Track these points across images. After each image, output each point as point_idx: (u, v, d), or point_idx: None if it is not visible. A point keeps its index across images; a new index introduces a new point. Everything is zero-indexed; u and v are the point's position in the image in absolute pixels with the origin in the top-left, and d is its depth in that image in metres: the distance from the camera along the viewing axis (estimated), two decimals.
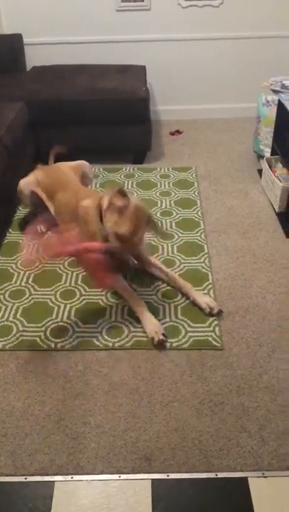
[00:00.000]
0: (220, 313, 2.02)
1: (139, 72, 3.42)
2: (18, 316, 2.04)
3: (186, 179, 3.06)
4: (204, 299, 2.04)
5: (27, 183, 2.50)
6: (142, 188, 2.98)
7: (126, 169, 3.20)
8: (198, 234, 2.54)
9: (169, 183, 3.03)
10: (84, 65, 3.54)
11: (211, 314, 2.01)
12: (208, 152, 3.42)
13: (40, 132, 3.15)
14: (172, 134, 3.70)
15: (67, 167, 2.55)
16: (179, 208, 2.76)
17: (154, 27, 3.61)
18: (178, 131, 3.72)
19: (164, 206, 2.79)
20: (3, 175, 2.51)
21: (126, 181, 3.06)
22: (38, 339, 1.93)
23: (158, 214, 2.71)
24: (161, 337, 1.89)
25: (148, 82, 3.52)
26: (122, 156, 3.30)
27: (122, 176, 3.12)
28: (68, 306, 2.09)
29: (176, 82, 3.83)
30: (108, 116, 3.07)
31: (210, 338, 1.92)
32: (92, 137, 3.17)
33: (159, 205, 2.80)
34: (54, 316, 2.04)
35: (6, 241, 2.52)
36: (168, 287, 2.18)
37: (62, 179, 2.42)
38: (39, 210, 2.52)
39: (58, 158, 2.78)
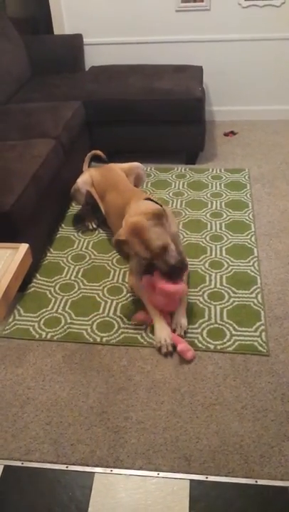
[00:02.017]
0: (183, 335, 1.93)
1: (196, 72, 3.41)
2: (66, 308, 2.10)
3: (238, 181, 3.02)
4: (179, 320, 1.96)
5: (84, 182, 2.56)
6: (192, 188, 2.97)
7: (178, 169, 3.20)
8: (248, 237, 2.50)
9: (220, 184, 3.00)
10: (141, 65, 3.57)
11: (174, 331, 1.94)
12: (262, 154, 3.35)
13: (96, 131, 3.22)
14: (226, 134, 3.66)
15: (119, 168, 2.59)
16: (230, 210, 2.73)
17: (213, 27, 3.58)
18: (232, 132, 3.68)
19: (214, 208, 2.77)
20: (59, 172, 2.59)
21: (177, 181, 3.06)
22: (84, 332, 1.98)
23: (208, 215, 2.70)
24: (170, 348, 1.86)
25: (204, 83, 3.50)
26: (175, 156, 3.31)
27: (174, 176, 3.12)
28: (115, 302, 2.12)
29: (233, 82, 3.78)
30: (163, 116, 3.09)
31: (256, 343, 1.88)
32: (146, 136, 3.19)
33: (209, 206, 2.78)
34: (101, 310, 2.08)
35: (58, 235, 2.60)
36: (215, 289, 2.16)
37: (113, 179, 2.46)
38: (88, 208, 2.57)
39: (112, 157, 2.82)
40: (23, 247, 1.18)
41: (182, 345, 1.84)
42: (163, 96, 3.06)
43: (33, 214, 2.22)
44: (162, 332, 1.90)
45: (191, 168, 3.20)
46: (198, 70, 3.46)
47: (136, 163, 2.66)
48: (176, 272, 1.88)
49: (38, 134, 2.65)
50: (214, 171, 3.15)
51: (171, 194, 2.93)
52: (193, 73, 3.38)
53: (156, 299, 1.94)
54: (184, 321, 1.95)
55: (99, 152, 2.88)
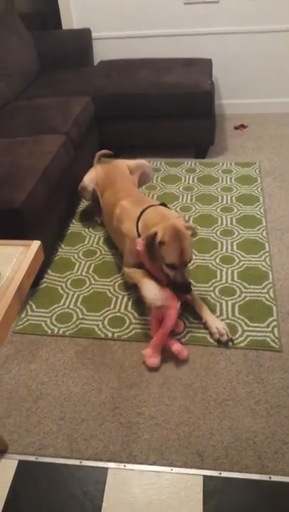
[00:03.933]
0: (229, 341, 1.87)
1: (205, 65, 3.38)
2: (78, 304, 2.11)
3: (249, 175, 2.99)
4: (216, 324, 1.90)
5: (90, 179, 2.55)
6: (203, 183, 2.95)
7: (188, 163, 3.19)
8: (260, 231, 2.48)
9: (231, 178, 2.98)
10: (150, 59, 3.55)
11: (218, 341, 1.88)
12: (274, 147, 3.32)
13: (105, 126, 3.21)
14: (236, 128, 3.63)
15: (125, 165, 2.57)
16: (241, 204, 2.71)
17: (222, 19, 3.54)
18: (242, 126, 3.64)
19: (224, 202, 2.75)
20: (69, 167, 2.59)
21: (187, 176, 3.04)
22: (96, 328, 1.98)
23: (218, 210, 2.68)
24: (159, 303, 1.84)
25: (214, 76, 3.47)
26: (185, 150, 3.29)
27: (184, 171, 3.11)
28: (126, 298, 2.12)
29: (243, 75, 3.74)
30: (172, 109, 3.07)
31: (268, 339, 1.87)
32: (155, 131, 3.18)
33: (219, 200, 2.76)
34: (112, 306, 2.09)
35: (69, 231, 2.60)
36: (226, 284, 2.15)
37: (113, 177, 2.44)
38: (96, 204, 2.57)
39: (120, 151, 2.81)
40: (35, 244, 1.18)
41: (176, 346, 1.83)
42: (172, 90, 3.04)
43: (44, 210, 2.23)
44: (150, 294, 1.86)
45: (201, 163, 3.18)
46: (208, 63, 3.43)
47: (142, 161, 2.64)
48: (186, 289, 1.89)
49: (48, 129, 2.65)
50: (224, 165, 3.12)
51: (181, 189, 2.91)
52: (203, 66, 3.35)
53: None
54: (220, 325, 1.90)
55: (106, 151, 2.87)
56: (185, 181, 2.98)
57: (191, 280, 2.02)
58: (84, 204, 2.81)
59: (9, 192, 2.05)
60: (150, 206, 2.06)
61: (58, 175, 2.39)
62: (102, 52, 3.75)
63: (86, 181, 2.55)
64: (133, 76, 3.25)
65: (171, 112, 3.08)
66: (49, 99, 3.04)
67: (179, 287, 1.88)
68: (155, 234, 1.86)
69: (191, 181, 2.98)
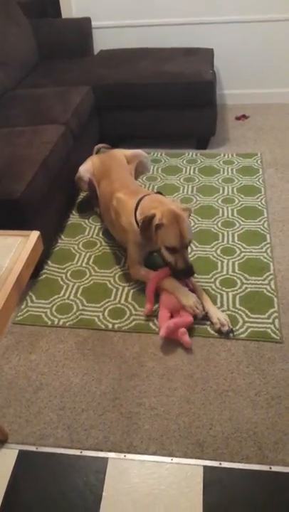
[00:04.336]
0: (230, 332, 1.86)
1: (207, 55, 3.35)
2: (78, 295, 2.10)
3: (250, 166, 2.97)
4: (217, 314, 1.89)
5: (85, 170, 2.55)
6: (204, 174, 2.93)
7: (188, 154, 3.16)
8: (261, 223, 2.46)
9: (232, 169, 2.95)
10: (151, 49, 3.51)
11: (220, 331, 1.86)
12: (276, 138, 3.29)
13: (105, 116, 3.18)
14: (238, 118, 3.60)
15: (122, 154, 2.56)
16: (242, 196, 2.69)
17: (223, 9, 3.50)
18: (244, 116, 3.61)
19: (226, 193, 2.73)
20: (69, 158, 2.57)
21: (188, 167, 3.02)
22: (96, 319, 1.97)
23: (219, 201, 2.66)
24: (203, 312, 1.89)
25: (215, 66, 3.43)
26: (185, 141, 3.26)
27: (185, 162, 3.09)
28: (126, 289, 2.11)
29: (245, 65, 3.70)
30: (173, 100, 3.04)
31: (269, 330, 1.87)
32: (156, 121, 3.15)
33: (221, 191, 2.75)
34: (112, 297, 2.08)
35: (69, 222, 2.59)
36: (227, 275, 2.14)
37: (109, 167, 2.43)
38: (94, 195, 2.55)
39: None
40: (34, 234, 1.17)
41: (182, 331, 1.83)
42: (173, 79, 3.01)
43: (43, 201, 2.21)
44: (189, 300, 1.89)
45: (203, 153, 3.16)
46: (209, 53, 3.39)
47: (139, 151, 2.63)
48: (189, 272, 1.91)
49: (47, 119, 2.62)
50: (226, 156, 3.10)
51: (182, 180, 2.89)
52: (204, 56, 3.31)
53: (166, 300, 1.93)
54: (221, 315, 1.90)
55: (105, 145, 2.86)
56: (186, 172, 2.96)
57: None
58: (84, 195, 2.79)
59: (8, 183, 2.03)
60: (146, 195, 2.05)
61: (57, 165, 2.37)
62: (102, 41, 3.71)
63: (81, 171, 2.54)
64: (133, 66, 3.21)
65: (172, 102, 3.05)
66: (48, 88, 3.01)
67: (182, 271, 1.88)
68: (153, 216, 1.86)
69: (192, 172, 2.96)
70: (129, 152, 2.60)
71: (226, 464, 1.46)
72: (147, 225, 1.89)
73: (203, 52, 3.38)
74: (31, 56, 3.43)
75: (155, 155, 3.17)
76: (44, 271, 2.25)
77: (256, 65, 3.69)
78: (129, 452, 1.51)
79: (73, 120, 2.69)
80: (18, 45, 3.26)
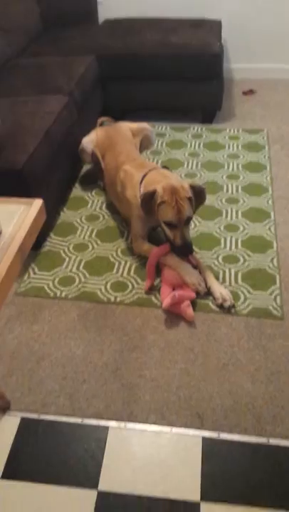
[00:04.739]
0: (231, 307, 1.87)
1: (214, 27, 3.26)
2: (80, 268, 2.10)
3: (256, 142, 2.93)
4: (220, 290, 1.89)
5: (89, 141, 2.51)
6: (209, 149, 2.89)
7: (194, 129, 3.11)
8: (265, 200, 2.45)
9: (237, 145, 2.92)
10: (157, 19, 3.41)
11: (221, 306, 1.87)
12: (282, 114, 3.24)
13: (109, 87, 3.12)
14: (245, 93, 3.53)
15: (127, 127, 2.53)
16: (247, 172, 2.67)
17: None
18: (251, 91, 3.54)
19: (230, 169, 2.70)
20: (72, 129, 2.53)
21: (193, 141, 2.98)
22: (98, 292, 1.98)
23: (224, 177, 2.64)
24: (206, 289, 1.90)
25: (223, 38, 3.35)
26: (191, 115, 3.21)
27: (189, 136, 3.04)
28: (129, 263, 2.11)
29: (253, 38, 3.61)
30: (179, 72, 2.97)
31: (270, 307, 1.87)
32: (161, 94, 3.09)
33: (225, 167, 2.72)
34: (115, 270, 2.08)
35: (72, 195, 2.57)
36: (230, 252, 2.14)
37: (114, 139, 2.40)
38: (98, 167, 2.52)
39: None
40: (37, 202, 1.16)
41: (186, 304, 1.84)
42: (179, 51, 2.94)
43: (46, 172, 2.18)
44: (192, 277, 1.89)
45: (208, 128, 3.11)
46: (217, 25, 3.30)
47: (144, 124, 2.59)
48: (186, 249, 1.90)
49: (51, 89, 2.57)
50: (231, 131, 3.06)
51: (186, 154, 2.86)
52: (212, 28, 3.23)
53: (169, 274, 1.93)
54: (223, 291, 1.90)
55: (108, 118, 2.82)
56: (191, 147, 2.92)
57: (195, 248, 2.02)
58: (87, 167, 2.75)
59: (11, 153, 2.01)
60: (152, 169, 2.03)
61: (60, 137, 2.34)
62: (107, 10, 3.61)
63: (84, 143, 2.51)
64: (139, 36, 3.13)
65: (178, 74, 2.99)
66: (52, 57, 2.94)
67: (180, 248, 1.87)
68: (154, 191, 1.85)
69: (197, 147, 2.92)
70: (135, 125, 2.56)
71: (224, 436, 1.49)
72: (148, 200, 1.89)
73: (211, 24, 3.29)
74: (35, 24, 3.34)
75: (160, 129, 3.12)
76: (46, 243, 2.24)
77: (265, 38, 3.60)
78: (129, 421, 1.53)
79: (77, 90, 2.64)
80: (21, 13, 3.17)
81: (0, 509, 1.35)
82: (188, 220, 1.90)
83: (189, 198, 1.88)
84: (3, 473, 1.43)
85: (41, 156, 2.11)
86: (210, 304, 1.90)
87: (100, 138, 2.49)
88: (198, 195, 1.91)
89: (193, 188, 1.91)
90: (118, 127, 2.53)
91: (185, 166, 2.75)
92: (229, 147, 2.90)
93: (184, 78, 3.01)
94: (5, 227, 1.07)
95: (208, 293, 1.92)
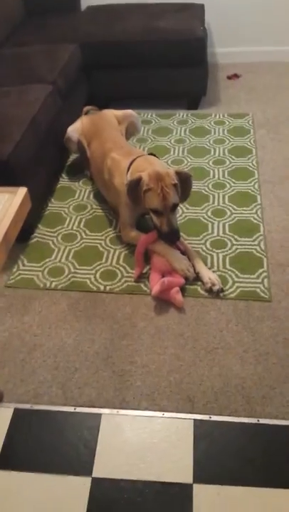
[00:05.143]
0: (220, 291, 1.88)
1: (198, 11, 3.22)
2: (70, 258, 2.10)
3: (241, 126, 2.93)
4: (209, 274, 1.91)
5: (74, 130, 2.50)
6: (194, 135, 2.89)
7: (179, 115, 3.10)
8: (252, 184, 2.45)
9: (223, 130, 2.91)
10: (140, 4, 3.37)
11: (210, 290, 1.88)
12: (267, 98, 3.23)
13: (94, 75, 3.09)
14: (229, 77, 3.52)
15: (112, 114, 2.52)
16: (233, 157, 2.67)
17: None
18: (236, 75, 3.53)
19: (217, 154, 2.70)
20: (57, 119, 2.51)
21: (179, 128, 2.97)
22: (88, 281, 1.99)
23: (210, 163, 2.64)
24: (194, 275, 1.91)
25: (206, 22, 3.31)
26: (176, 101, 3.19)
27: (175, 123, 3.03)
28: (118, 252, 2.12)
29: (237, 22, 3.58)
30: (163, 58, 2.95)
31: (258, 290, 1.90)
32: (146, 81, 3.07)
33: (212, 153, 2.71)
34: (104, 260, 2.08)
35: (59, 185, 2.56)
36: (218, 237, 2.15)
37: (100, 127, 2.39)
38: (84, 157, 2.51)
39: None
40: (22, 190, 1.16)
41: (175, 290, 1.85)
42: (163, 37, 2.91)
43: (32, 163, 2.17)
44: (180, 264, 1.91)
45: (193, 114, 3.10)
46: (200, 9, 3.26)
47: (129, 111, 2.58)
48: (173, 236, 1.91)
49: (34, 79, 2.54)
50: (217, 116, 3.05)
51: (172, 141, 2.85)
52: (195, 12, 3.19)
53: (158, 262, 1.94)
54: (212, 275, 1.91)
55: (92, 107, 2.80)
56: (177, 133, 2.92)
57: (183, 234, 2.03)
58: (73, 157, 2.74)
59: None
60: (139, 156, 2.03)
61: (45, 126, 2.32)
62: None
63: (69, 131, 2.50)
64: (122, 22, 3.09)
65: (162, 60, 2.96)
66: (34, 46, 2.90)
67: (167, 235, 1.88)
68: (139, 179, 1.85)
69: (182, 133, 2.91)
70: (120, 112, 2.55)
71: (215, 418, 1.51)
72: (133, 187, 1.89)
73: (195, 8, 3.25)
74: (16, 12, 3.28)
75: (145, 116, 3.10)
76: (35, 234, 2.24)
77: (248, 21, 3.57)
78: (121, 408, 1.55)
79: (61, 79, 2.61)
80: (4, 1, 3.11)
81: None
82: (175, 206, 1.91)
83: (175, 185, 1.88)
84: None
85: (27, 146, 2.09)
86: (199, 289, 1.92)
87: (85, 126, 2.47)
88: (184, 181, 1.92)
89: (179, 174, 1.91)
90: (103, 115, 2.52)
91: (171, 152, 2.75)
92: (215, 132, 2.90)
93: (168, 64, 2.98)
94: None
95: (197, 278, 1.94)
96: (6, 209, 1.09)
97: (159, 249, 1.95)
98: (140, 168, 1.95)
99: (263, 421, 1.50)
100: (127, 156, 2.09)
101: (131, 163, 2.02)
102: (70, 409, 1.57)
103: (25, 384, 1.63)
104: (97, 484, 1.38)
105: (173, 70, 3.00)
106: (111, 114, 2.52)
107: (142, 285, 1.96)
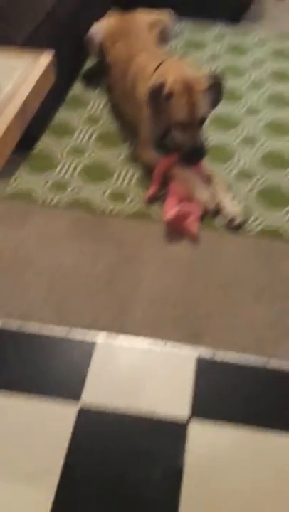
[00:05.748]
0: (242, 225, 1.67)
1: None
2: (76, 173, 1.89)
3: (285, 49, 2.58)
4: (231, 206, 1.69)
5: (98, 29, 2.20)
6: (231, 53, 2.56)
7: (217, 29, 2.74)
8: None
9: (264, 51, 2.57)
10: None
11: (230, 224, 1.67)
12: None
13: None
14: None
15: (144, 17, 2.21)
16: (273, 81, 2.36)
17: None
18: None
19: (253, 77, 2.39)
20: (76, 17, 2.19)
21: (214, 43, 2.63)
22: (94, 201, 1.79)
23: (246, 86, 2.34)
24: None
25: None
26: (215, 10, 2.78)
27: (211, 36, 2.68)
28: (130, 172, 1.90)
29: None
30: None
31: (280, 230, 1.69)
32: None
33: (248, 75, 2.40)
34: (114, 180, 1.87)
35: (71, 93, 2.29)
36: (245, 167, 1.92)
37: (127, 27, 2.11)
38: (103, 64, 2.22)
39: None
40: (46, 57, 0.94)
41: (192, 218, 1.65)
42: None
43: None
44: (203, 194, 1.69)
45: (233, 29, 2.73)
46: None
47: (163, 14, 2.29)
48: (198, 152, 1.69)
49: None
50: (259, 35, 2.69)
51: (205, 58, 2.53)
52: None
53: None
54: (234, 208, 1.69)
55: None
56: (211, 49, 2.58)
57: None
58: (90, 64, 2.43)
59: (8, 29, 1.73)
60: (168, 59, 1.76)
61: (64, 20, 2.03)
62: None
63: (92, 30, 2.21)
64: None
65: None
66: None
67: (190, 153, 1.65)
68: (163, 84, 1.59)
69: (217, 51, 2.58)
70: (154, 16, 2.25)
71: (220, 354, 1.36)
72: (155, 94, 1.63)
73: None
74: None
75: (177, 26, 2.74)
76: (39, 143, 2.01)
77: None
78: (120, 333, 1.40)
79: None
80: None
81: None
82: (203, 120, 1.67)
83: (205, 92, 1.63)
84: None
85: (41, 40, 1.82)
86: (217, 221, 1.71)
87: (111, 26, 2.18)
88: (215, 87, 1.66)
89: (211, 78, 1.65)
90: (134, 16, 2.22)
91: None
92: (254, 53, 2.56)
93: None
94: (3, 82, 0.87)
95: (218, 210, 1.73)
96: (24, 76, 0.89)
97: (181, 176, 1.73)
98: (166, 73, 1.68)
99: (271, 364, 1.35)
100: (156, 58, 1.82)
101: (157, 67, 1.75)
102: (63, 332, 1.42)
103: (15, 301, 1.49)
104: (85, 412, 1.25)
105: None
106: (143, 15, 2.22)
107: (154, 211, 1.75)
